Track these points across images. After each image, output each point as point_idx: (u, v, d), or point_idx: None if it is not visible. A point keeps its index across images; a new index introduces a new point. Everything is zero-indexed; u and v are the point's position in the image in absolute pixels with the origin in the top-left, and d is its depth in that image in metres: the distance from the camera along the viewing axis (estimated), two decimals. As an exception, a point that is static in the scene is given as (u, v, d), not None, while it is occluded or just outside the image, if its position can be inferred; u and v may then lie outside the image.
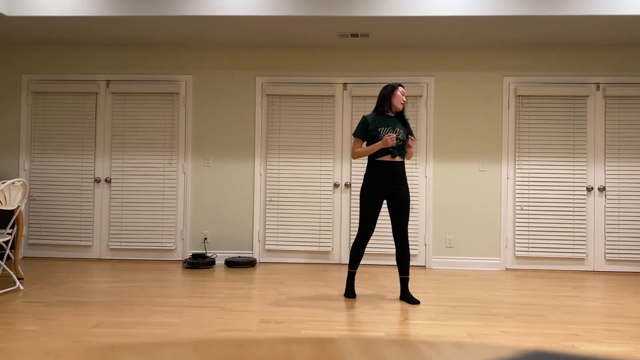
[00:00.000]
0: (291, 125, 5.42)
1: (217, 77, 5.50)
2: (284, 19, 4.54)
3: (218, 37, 5.12)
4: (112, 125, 5.53)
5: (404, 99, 3.72)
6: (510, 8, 4.34)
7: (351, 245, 3.77)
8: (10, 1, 4.56)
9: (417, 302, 3.67)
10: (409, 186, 5.15)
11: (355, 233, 5.32)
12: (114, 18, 4.60)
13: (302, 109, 5.42)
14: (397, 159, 3.68)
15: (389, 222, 5.31)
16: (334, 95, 5.38)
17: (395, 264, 5.26)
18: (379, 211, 3.69)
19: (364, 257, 5.34)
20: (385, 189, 3.67)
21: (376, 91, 5.31)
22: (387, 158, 3.66)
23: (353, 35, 4.95)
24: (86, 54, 5.57)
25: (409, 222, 5.29)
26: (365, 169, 3.84)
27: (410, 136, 3.76)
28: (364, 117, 3.74)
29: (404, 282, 3.75)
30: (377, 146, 3.62)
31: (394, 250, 5.29)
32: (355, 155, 3.75)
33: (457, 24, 4.62)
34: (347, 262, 5.35)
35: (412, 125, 5.33)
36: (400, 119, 3.76)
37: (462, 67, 5.36)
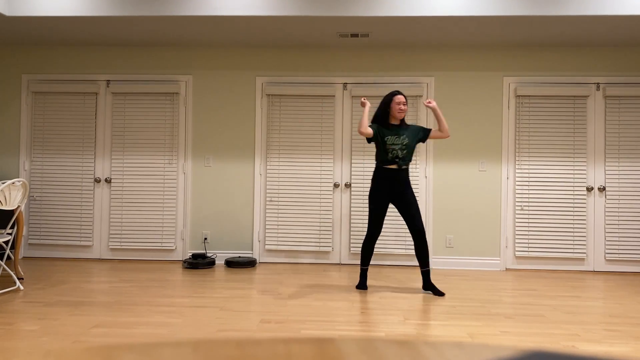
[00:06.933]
0: (291, 125, 5.42)
1: (217, 77, 5.50)
2: (284, 19, 4.54)
3: (218, 37, 5.12)
4: (112, 125, 5.53)
5: (402, 107, 3.92)
6: (510, 8, 4.34)
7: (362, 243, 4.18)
8: (10, 1, 4.56)
9: (442, 294, 3.92)
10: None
11: (354, 233, 5.33)
12: (113, 18, 4.60)
13: (302, 109, 5.42)
14: (403, 166, 3.94)
15: (390, 222, 5.31)
16: (334, 95, 5.38)
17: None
18: (385, 213, 3.97)
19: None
20: (390, 194, 3.95)
21: (376, 91, 5.31)
22: (394, 166, 3.92)
23: (353, 35, 4.95)
24: (86, 54, 5.57)
25: (402, 220, 5.29)
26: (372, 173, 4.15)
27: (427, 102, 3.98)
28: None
29: (426, 274, 3.99)
30: (365, 112, 3.91)
31: (396, 251, 5.30)
32: (362, 125, 3.91)
33: (457, 24, 4.62)
34: (347, 262, 5.36)
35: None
36: (403, 126, 4.00)
37: (462, 67, 5.36)
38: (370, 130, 3.91)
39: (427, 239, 5.31)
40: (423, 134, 4.02)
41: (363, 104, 3.96)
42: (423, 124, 5.33)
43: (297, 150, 5.41)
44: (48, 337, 2.76)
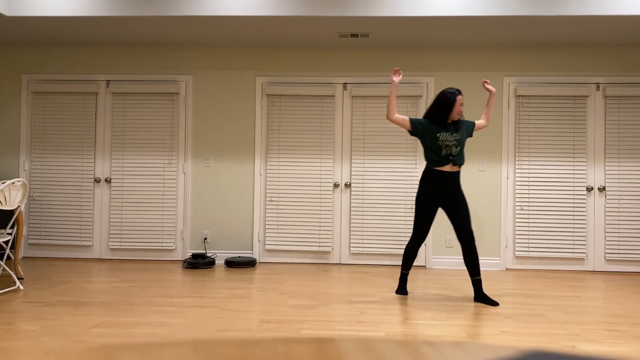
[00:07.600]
0: (291, 125, 5.42)
1: (217, 77, 5.50)
2: (284, 19, 4.54)
3: (218, 37, 5.12)
4: (112, 125, 5.53)
5: (462, 108, 3.73)
6: (510, 8, 4.34)
7: (405, 247, 3.95)
8: (10, 1, 4.56)
9: (495, 304, 3.68)
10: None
11: (354, 233, 5.33)
12: (113, 18, 4.60)
13: (302, 109, 5.42)
14: (456, 168, 3.73)
15: (390, 222, 5.31)
16: (334, 95, 5.38)
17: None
18: (433, 219, 3.79)
19: (365, 257, 5.34)
20: (441, 198, 3.74)
21: (376, 91, 5.31)
22: (447, 168, 3.71)
23: (353, 35, 4.95)
24: (86, 54, 5.57)
25: (402, 221, 5.30)
26: (421, 175, 3.87)
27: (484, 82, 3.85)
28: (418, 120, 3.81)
29: (477, 283, 3.75)
30: (392, 93, 3.72)
31: (396, 251, 5.29)
32: (388, 112, 3.74)
33: (457, 24, 4.62)
34: (347, 262, 5.36)
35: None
36: (457, 123, 3.77)
37: (462, 67, 5.36)
38: (400, 117, 3.73)
39: (427, 239, 5.31)
40: (471, 128, 3.85)
41: (394, 75, 3.73)
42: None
43: (297, 150, 5.41)
44: (48, 337, 2.76)
